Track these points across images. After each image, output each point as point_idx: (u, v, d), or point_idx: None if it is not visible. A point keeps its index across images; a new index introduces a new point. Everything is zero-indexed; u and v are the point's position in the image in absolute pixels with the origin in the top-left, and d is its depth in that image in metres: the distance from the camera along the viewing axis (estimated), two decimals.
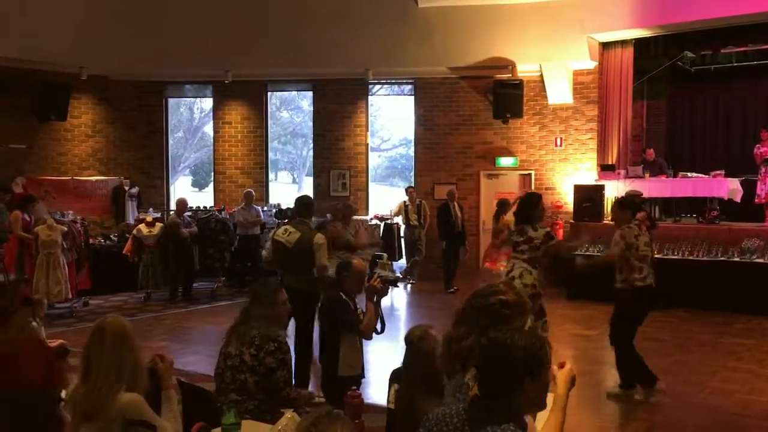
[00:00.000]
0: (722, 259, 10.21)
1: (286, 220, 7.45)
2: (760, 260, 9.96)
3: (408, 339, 3.81)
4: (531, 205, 6.31)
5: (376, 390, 5.78)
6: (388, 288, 5.04)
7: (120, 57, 13.05)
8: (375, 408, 5.07)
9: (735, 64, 13.03)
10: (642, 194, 10.18)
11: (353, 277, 4.99)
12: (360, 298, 5.05)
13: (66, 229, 9.87)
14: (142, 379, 2.98)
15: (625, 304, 6.03)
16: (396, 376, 3.88)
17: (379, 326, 4.99)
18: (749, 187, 11.42)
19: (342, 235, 7.59)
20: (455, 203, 12.14)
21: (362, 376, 5.01)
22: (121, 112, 14.07)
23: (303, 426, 2.05)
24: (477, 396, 2.25)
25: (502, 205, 10.49)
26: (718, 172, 11.58)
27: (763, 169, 11.08)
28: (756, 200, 11.25)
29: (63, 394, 2.99)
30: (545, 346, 2.23)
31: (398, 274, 4.65)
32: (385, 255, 5.47)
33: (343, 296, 4.94)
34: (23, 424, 1.66)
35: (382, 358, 6.79)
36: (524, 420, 2.20)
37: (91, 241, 11.23)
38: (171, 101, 15.58)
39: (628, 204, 6.38)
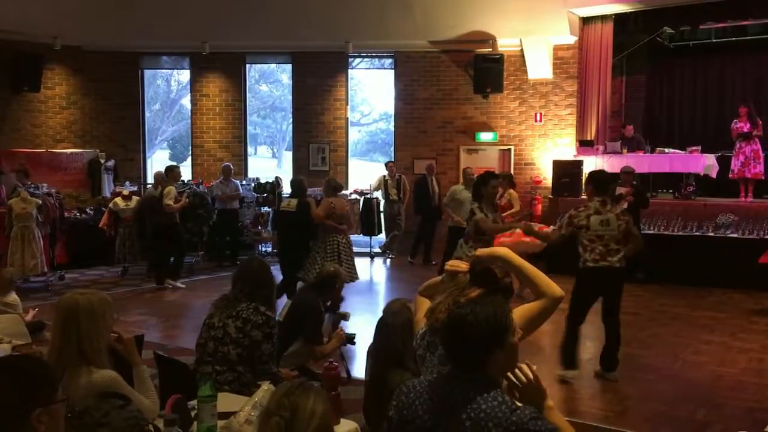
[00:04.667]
0: (697, 233, 10.35)
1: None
2: (734, 235, 10.10)
3: (383, 313, 3.82)
4: (481, 182, 6.82)
5: (358, 363, 5.83)
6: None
7: (94, 27, 12.77)
8: (354, 381, 5.11)
9: (713, 40, 13.06)
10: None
11: (340, 288, 5.26)
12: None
13: (40, 202, 9.73)
14: (107, 356, 2.95)
15: (577, 285, 5.89)
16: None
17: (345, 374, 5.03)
18: (725, 163, 11.52)
19: None
20: (433, 177, 12.21)
21: None
22: (96, 83, 13.80)
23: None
24: (451, 369, 2.23)
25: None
26: (694, 147, 11.68)
27: (738, 145, 11.18)
28: (730, 176, 11.36)
29: None
30: (506, 312, 2.19)
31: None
32: (348, 314, 5.62)
33: (321, 307, 5.03)
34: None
35: (363, 332, 6.81)
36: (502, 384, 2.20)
37: (66, 214, 11.09)
38: (147, 73, 15.33)
39: (592, 178, 6.24)
